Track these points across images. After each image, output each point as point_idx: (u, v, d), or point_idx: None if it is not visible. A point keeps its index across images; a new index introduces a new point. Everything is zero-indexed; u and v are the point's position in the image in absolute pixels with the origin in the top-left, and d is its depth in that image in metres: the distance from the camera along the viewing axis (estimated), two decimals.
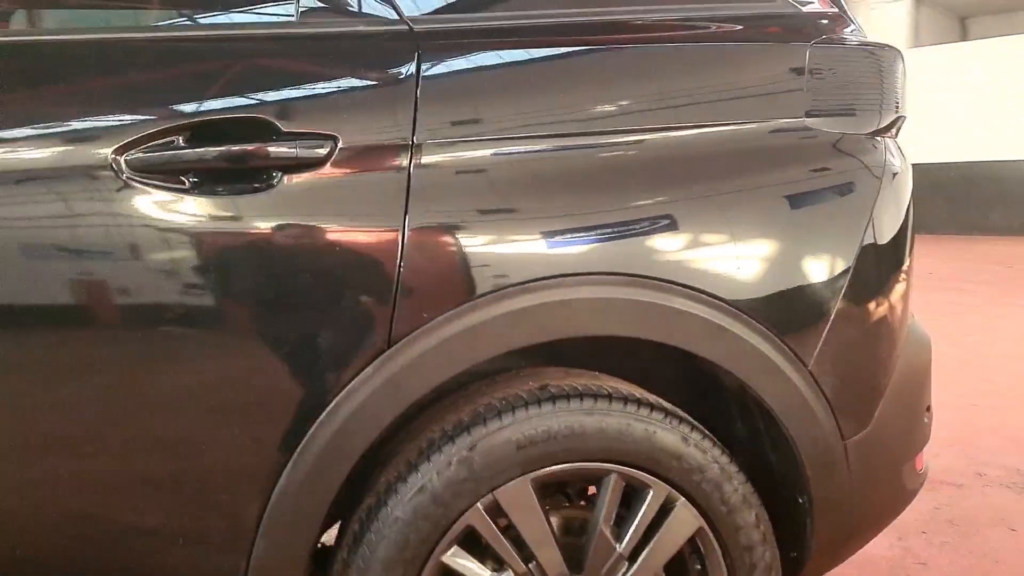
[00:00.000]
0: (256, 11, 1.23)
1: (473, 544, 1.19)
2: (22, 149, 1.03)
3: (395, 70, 1.13)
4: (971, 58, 13.92)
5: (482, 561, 1.19)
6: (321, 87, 1.12)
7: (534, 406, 1.18)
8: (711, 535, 1.25)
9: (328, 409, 1.08)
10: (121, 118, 1.04)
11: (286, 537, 1.10)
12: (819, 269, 1.28)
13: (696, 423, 1.26)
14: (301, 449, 1.08)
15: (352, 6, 1.19)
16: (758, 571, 1.27)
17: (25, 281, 0.99)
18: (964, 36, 18.50)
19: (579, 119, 1.20)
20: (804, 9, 1.39)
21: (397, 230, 1.08)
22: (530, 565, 1.18)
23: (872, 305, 1.33)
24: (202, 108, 1.06)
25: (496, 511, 1.17)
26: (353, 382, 1.08)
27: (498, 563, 1.19)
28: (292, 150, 1.05)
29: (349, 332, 1.08)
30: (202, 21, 1.24)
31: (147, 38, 1.13)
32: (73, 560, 1.07)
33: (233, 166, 1.05)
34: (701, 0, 1.35)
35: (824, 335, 1.27)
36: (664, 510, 1.22)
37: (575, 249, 1.16)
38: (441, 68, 1.15)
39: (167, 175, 1.02)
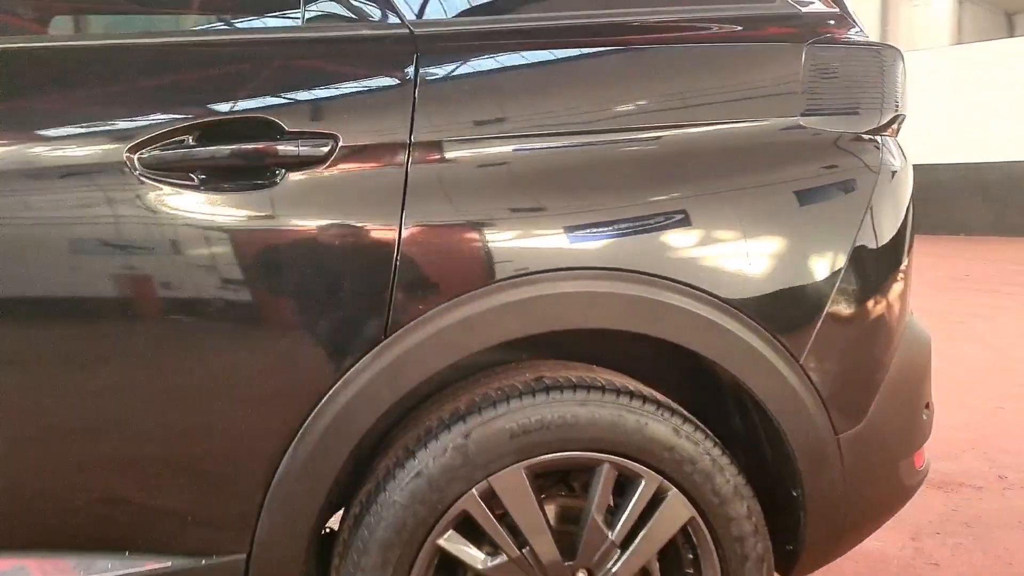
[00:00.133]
0: (265, 17, 1.29)
1: (470, 530, 1.23)
2: (44, 147, 1.09)
3: (394, 72, 1.18)
4: (1018, 55, 13.59)
5: (478, 546, 1.23)
6: (324, 89, 1.17)
7: (528, 396, 1.22)
8: (703, 525, 1.27)
9: (328, 395, 1.13)
10: (135, 119, 1.10)
11: (288, 517, 1.15)
12: (811, 266, 1.30)
13: (688, 415, 1.29)
14: (302, 433, 1.13)
15: (356, 11, 1.24)
16: (750, 562, 1.29)
17: (41, 272, 1.06)
18: (1011, 32, 18.06)
19: (576, 120, 1.24)
20: (804, 10, 1.41)
21: (394, 225, 1.13)
22: (524, 551, 1.22)
23: (866, 303, 1.34)
24: (211, 109, 1.12)
25: (491, 498, 1.21)
26: (352, 370, 1.13)
27: (493, 548, 1.23)
28: (295, 149, 1.11)
29: (348, 322, 1.14)
30: (212, 27, 1.30)
31: (160, 43, 1.19)
32: (92, 535, 1.13)
33: (240, 164, 1.11)
34: (699, 1, 1.38)
35: (816, 331, 1.28)
36: (656, 500, 1.26)
37: (567, 244, 1.20)
38: (439, 70, 1.20)
39: (177, 172, 1.08)
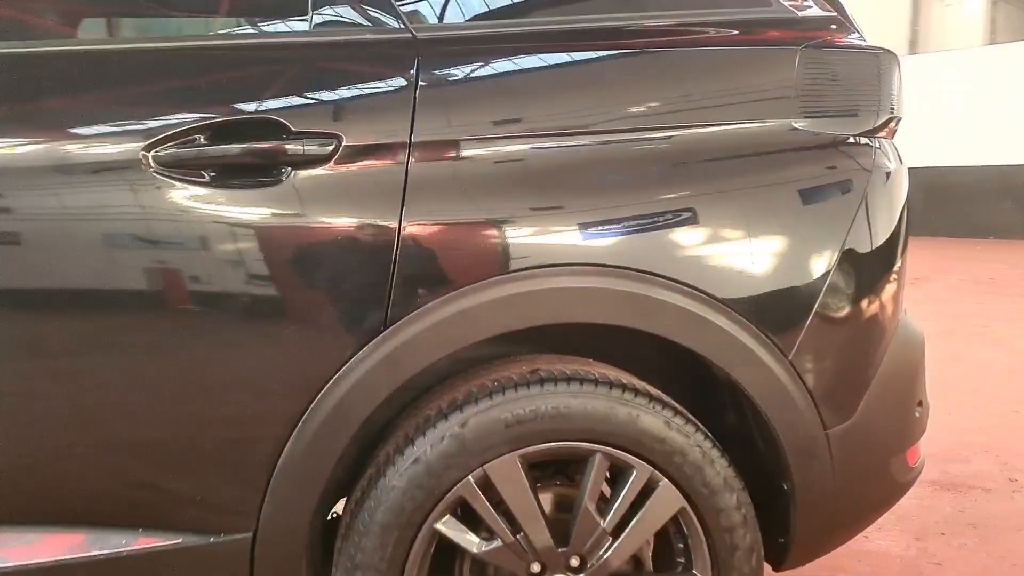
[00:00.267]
0: (274, 22, 1.35)
1: (467, 516, 1.28)
2: (67, 146, 1.16)
3: (396, 75, 1.24)
4: None
5: (475, 531, 1.28)
6: (329, 91, 1.23)
7: (523, 387, 1.27)
8: (693, 515, 1.31)
9: (330, 383, 1.18)
10: (151, 119, 1.16)
11: (291, 499, 1.21)
12: (802, 265, 1.33)
13: (680, 408, 1.32)
14: (305, 420, 1.19)
15: (361, 17, 1.30)
16: (739, 552, 1.33)
17: (62, 264, 1.13)
18: None
19: (574, 123, 1.28)
20: (800, 14, 1.44)
21: (394, 222, 1.18)
22: (518, 537, 1.27)
23: (856, 302, 1.37)
24: (222, 110, 1.18)
25: (487, 485, 1.26)
26: (352, 359, 1.19)
27: (489, 534, 1.28)
28: (300, 148, 1.17)
29: (349, 314, 1.19)
30: (224, 31, 1.36)
31: (174, 47, 1.25)
32: (109, 512, 1.20)
33: (248, 162, 1.17)
34: (696, 6, 1.41)
35: (805, 329, 1.32)
36: (647, 490, 1.29)
37: (560, 241, 1.25)
38: (439, 74, 1.25)
39: (189, 169, 1.15)
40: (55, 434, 1.16)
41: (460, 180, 1.23)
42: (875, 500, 1.50)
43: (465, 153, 1.24)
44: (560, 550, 1.28)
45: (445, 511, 1.25)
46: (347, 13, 1.31)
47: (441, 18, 1.34)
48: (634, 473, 1.28)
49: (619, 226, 1.26)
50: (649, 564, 1.40)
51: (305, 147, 1.17)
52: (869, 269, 1.39)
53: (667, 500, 1.30)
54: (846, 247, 1.35)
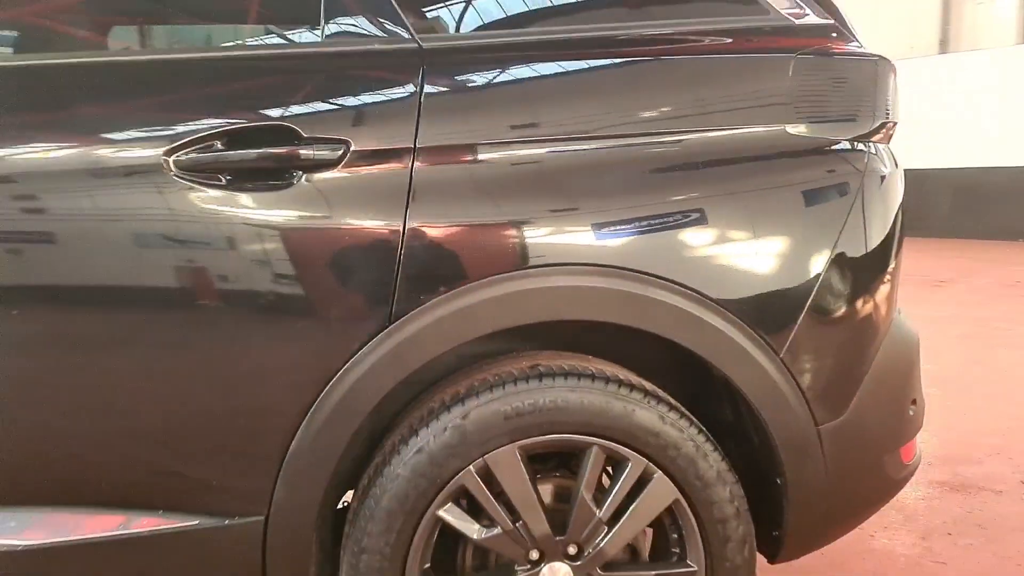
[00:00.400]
0: (288, 33, 1.43)
1: (472, 507, 1.34)
2: (95, 151, 1.24)
3: (402, 83, 1.30)
4: None
5: (476, 519, 1.34)
6: (338, 99, 1.30)
7: (523, 382, 1.33)
8: (687, 507, 1.36)
9: (337, 375, 1.25)
10: (171, 126, 1.24)
11: (300, 484, 1.27)
12: (793, 266, 1.37)
13: (675, 404, 1.37)
14: (313, 411, 1.26)
15: (370, 28, 1.36)
16: (732, 543, 1.37)
17: (90, 262, 1.20)
18: None
19: (571, 128, 1.34)
20: (797, 22, 1.48)
21: (399, 223, 1.25)
22: (517, 524, 1.33)
23: (847, 302, 1.41)
24: (238, 117, 1.25)
25: (487, 474, 1.31)
26: (359, 353, 1.25)
27: (490, 521, 1.33)
28: (311, 153, 1.23)
29: (356, 310, 1.26)
30: (241, 42, 1.44)
31: (192, 58, 1.33)
32: (134, 495, 1.27)
33: (262, 166, 1.24)
34: (695, 14, 1.46)
35: (796, 327, 1.36)
36: (642, 482, 1.35)
37: (557, 242, 1.30)
38: (442, 82, 1.31)
39: (207, 173, 1.22)
40: (89, 423, 1.24)
41: (462, 183, 1.29)
42: (869, 496, 1.54)
43: (466, 158, 1.30)
44: (558, 538, 1.34)
45: (447, 499, 1.31)
46: (357, 24, 1.38)
47: (446, 28, 1.41)
48: (629, 465, 1.34)
49: (613, 228, 1.31)
50: (645, 554, 1.45)
51: (315, 152, 1.24)
52: (861, 270, 1.43)
53: (661, 492, 1.35)
54: (838, 249, 1.39)
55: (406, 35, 1.34)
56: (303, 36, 1.41)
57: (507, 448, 1.31)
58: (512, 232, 1.30)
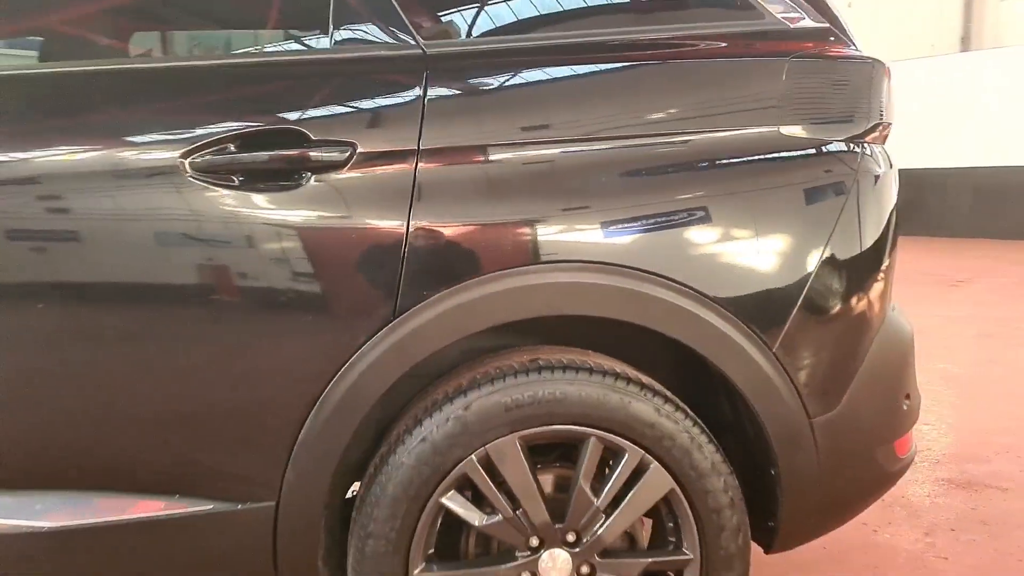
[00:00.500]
0: (299, 41, 1.49)
1: (476, 495, 1.39)
2: (117, 153, 1.30)
3: (406, 88, 1.36)
4: None
5: (480, 508, 1.39)
6: (346, 103, 1.36)
7: (523, 375, 1.38)
8: (682, 497, 1.40)
9: (345, 367, 1.31)
10: (187, 129, 1.30)
11: (308, 472, 1.33)
12: (785, 263, 1.41)
13: (670, 396, 1.42)
14: (321, 402, 1.32)
15: (377, 35, 1.42)
16: (726, 532, 1.41)
17: (112, 258, 1.27)
18: None
19: (569, 131, 1.39)
20: (792, 26, 1.52)
21: (403, 222, 1.31)
22: (517, 512, 1.38)
23: (839, 299, 1.44)
24: (250, 120, 1.31)
25: (488, 464, 1.37)
26: (365, 346, 1.31)
27: (491, 509, 1.39)
28: (320, 155, 1.29)
29: (362, 305, 1.32)
30: (253, 49, 1.50)
31: (207, 65, 1.40)
32: (152, 480, 1.34)
33: (273, 167, 1.30)
34: (690, 19, 1.51)
35: (789, 323, 1.40)
36: (638, 472, 1.39)
37: (554, 240, 1.35)
38: (445, 86, 1.37)
39: (221, 175, 1.28)
40: (112, 413, 1.30)
41: (463, 183, 1.35)
42: (863, 488, 1.57)
43: (468, 159, 1.35)
44: (557, 526, 1.39)
45: (450, 487, 1.36)
46: (364, 32, 1.44)
47: (449, 35, 1.46)
48: (626, 456, 1.38)
49: (610, 227, 1.36)
50: (642, 542, 1.50)
51: (324, 154, 1.30)
52: (853, 268, 1.46)
53: (657, 481, 1.39)
54: (830, 247, 1.42)
55: (410, 41, 1.40)
56: (312, 43, 1.47)
57: (507, 438, 1.36)
58: (512, 230, 1.35)
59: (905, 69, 12.72)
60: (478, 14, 1.49)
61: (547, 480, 1.47)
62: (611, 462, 1.44)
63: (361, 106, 1.36)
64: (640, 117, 1.41)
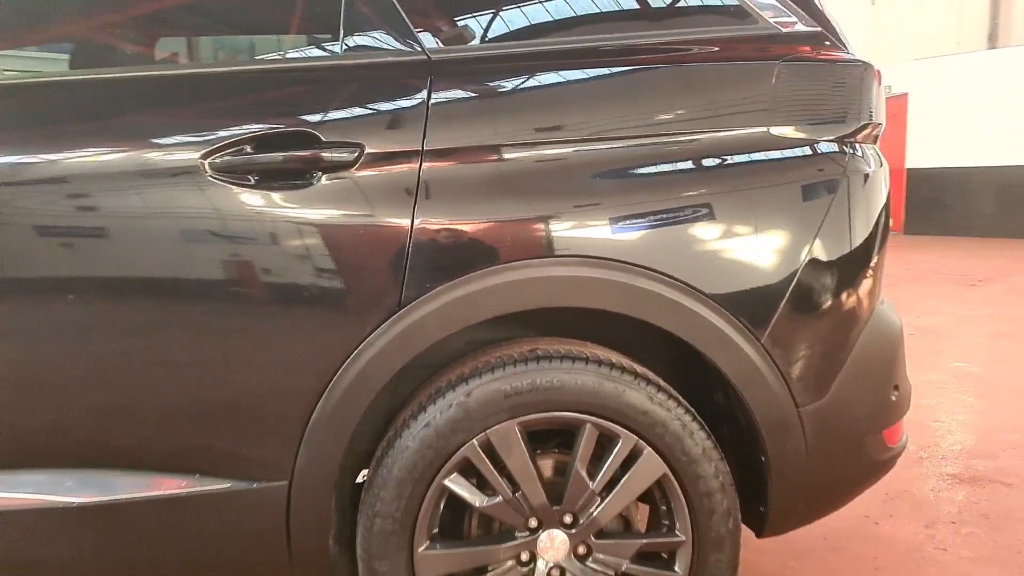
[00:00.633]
0: (311, 48, 1.58)
1: (480, 481, 1.47)
2: (142, 154, 1.40)
3: (412, 92, 1.44)
4: None
5: (483, 491, 1.47)
6: (355, 106, 1.44)
7: (522, 364, 1.45)
8: (674, 481, 1.47)
9: (353, 355, 1.39)
10: (207, 132, 1.39)
11: (319, 452, 1.42)
12: (774, 257, 1.47)
13: (663, 385, 1.48)
14: (331, 387, 1.40)
15: (385, 42, 1.50)
16: (716, 515, 1.48)
17: (136, 253, 1.36)
18: None
19: (567, 133, 1.46)
20: (784, 31, 1.58)
21: (408, 218, 1.38)
22: (517, 494, 1.45)
23: (826, 293, 1.50)
24: (266, 123, 1.40)
25: (489, 448, 1.44)
26: (372, 335, 1.39)
27: (492, 491, 1.46)
28: (330, 155, 1.38)
29: (369, 296, 1.40)
30: (267, 56, 1.59)
31: (225, 71, 1.49)
32: (175, 459, 1.43)
33: (287, 167, 1.39)
34: (686, 25, 1.58)
35: (777, 315, 1.46)
36: (632, 457, 1.46)
37: (551, 236, 1.42)
38: (448, 91, 1.45)
39: (238, 174, 1.37)
40: (139, 398, 1.39)
41: (465, 182, 1.42)
42: (852, 476, 1.63)
43: (469, 159, 1.43)
44: (555, 508, 1.46)
45: (452, 469, 1.44)
46: (372, 39, 1.52)
47: (453, 41, 1.54)
48: (620, 441, 1.45)
49: (604, 224, 1.43)
50: (637, 525, 1.57)
51: (333, 155, 1.38)
52: (841, 264, 1.52)
53: (650, 466, 1.46)
54: (818, 243, 1.48)
55: (416, 48, 1.48)
56: (323, 50, 1.56)
57: (507, 424, 1.43)
58: (512, 226, 1.42)
59: (930, 67, 12.61)
60: (480, 22, 1.57)
61: (546, 465, 1.54)
62: (606, 448, 1.51)
63: (369, 109, 1.44)
64: (632, 120, 1.48)
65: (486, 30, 1.56)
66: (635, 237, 1.44)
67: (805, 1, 1.63)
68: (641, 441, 1.45)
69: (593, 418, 1.45)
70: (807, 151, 1.52)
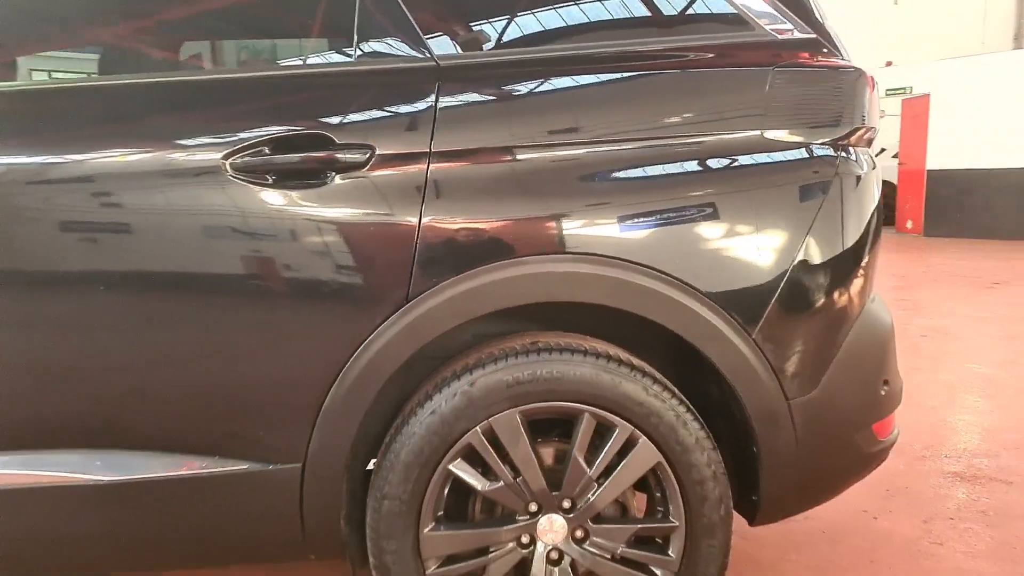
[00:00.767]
0: (326, 55, 1.66)
1: (484, 468, 1.54)
2: (166, 155, 1.49)
3: (421, 97, 1.52)
4: None
5: (484, 475, 1.54)
6: (366, 110, 1.52)
7: (523, 356, 1.53)
8: (668, 470, 1.54)
9: (363, 345, 1.47)
10: (228, 134, 1.48)
11: (331, 437, 1.50)
12: (766, 255, 1.54)
13: (659, 377, 1.55)
14: (343, 374, 1.48)
15: (397, 48, 1.58)
16: (709, 502, 1.55)
17: (160, 248, 1.45)
18: None
19: (566, 135, 1.53)
20: (780, 37, 1.65)
21: (415, 216, 1.47)
22: (518, 480, 1.53)
23: (817, 290, 1.56)
24: (284, 126, 1.48)
25: (492, 435, 1.52)
26: (381, 326, 1.47)
27: (494, 476, 1.54)
28: (343, 156, 1.46)
29: (379, 290, 1.48)
30: (286, 62, 1.68)
31: (244, 77, 1.58)
32: (195, 441, 1.51)
33: (303, 167, 1.47)
34: (685, 32, 1.64)
35: (768, 311, 1.53)
36: (628, 446, 1.53)
37: (550, 234, 1.50)
38: (455, 95, 1.52)
39: (256, 174, 1.46)
40: (167, 384, 1.48)
41: (471, 182, 1.50)
42: (842, 468, 1.69)
43: (475, 160, 1.51)
44: (554, 493, 1.54)
45: (457, 455, 1.51)
46: (384, 46, 1.60)
47: (461, 48, 1.61)
48: (617, 430, 1.52)
49: (601, 223, 1.50)
50: (634, 511, 1.64)
51: (346, 156, 1.46)
52: (831, 263, 1.57)
53: (645, 455, 1.53)
54: (809, 242, 1.54)
55: (426, 55, 1.56)
56: (338, 57, 1.64)
57: (509, 412, 1.51)
58: (514, 225, 1.50)
59: (953, 67, 12.51)
60: (486, 30, 1.64)
61: (547, 453, 1.62)
62: (604, 436, 1.58)
63: (380, 113, 1.52)
64: (627, 125, 1.54)
65: (492, 38, 1.64)
66: (632, 236, 1.51)
67: (802, 9, 1.69)
68: (637, 431, 1.52)
69: (591, 408, 1.52)
70: (801, 154, 1.58)
